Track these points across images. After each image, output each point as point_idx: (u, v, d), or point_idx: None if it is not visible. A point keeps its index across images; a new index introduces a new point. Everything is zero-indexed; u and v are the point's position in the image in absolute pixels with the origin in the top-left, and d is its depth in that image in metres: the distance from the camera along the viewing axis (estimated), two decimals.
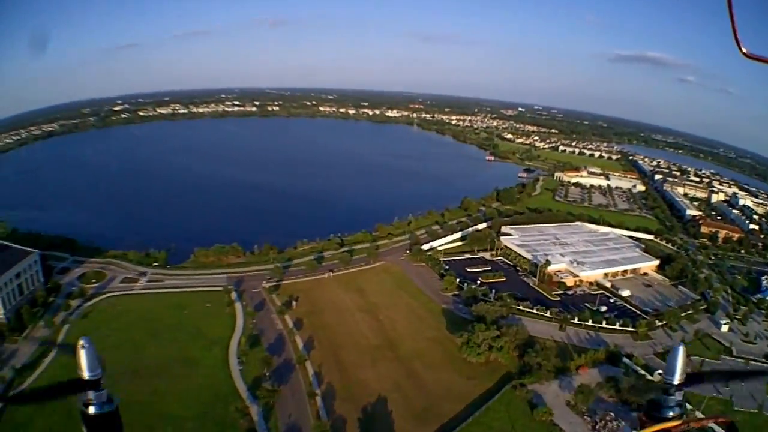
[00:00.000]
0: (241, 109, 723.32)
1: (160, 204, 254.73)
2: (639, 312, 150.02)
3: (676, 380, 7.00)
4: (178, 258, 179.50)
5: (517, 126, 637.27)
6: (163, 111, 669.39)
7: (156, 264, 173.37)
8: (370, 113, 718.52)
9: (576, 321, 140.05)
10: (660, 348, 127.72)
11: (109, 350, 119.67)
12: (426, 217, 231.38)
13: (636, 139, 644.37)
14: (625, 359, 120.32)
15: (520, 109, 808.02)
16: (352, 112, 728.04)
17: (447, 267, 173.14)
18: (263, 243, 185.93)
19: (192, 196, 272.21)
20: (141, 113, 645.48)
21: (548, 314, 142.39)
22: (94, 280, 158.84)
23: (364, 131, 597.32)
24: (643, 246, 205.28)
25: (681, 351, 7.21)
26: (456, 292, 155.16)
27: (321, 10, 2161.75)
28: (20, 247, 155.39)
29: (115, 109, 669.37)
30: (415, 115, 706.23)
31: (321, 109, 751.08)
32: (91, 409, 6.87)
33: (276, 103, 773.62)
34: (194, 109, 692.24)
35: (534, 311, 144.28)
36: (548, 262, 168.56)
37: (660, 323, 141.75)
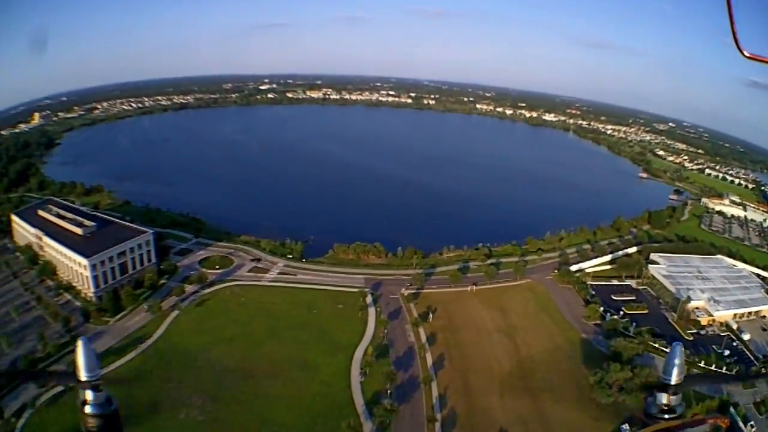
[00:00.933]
0: (396, 99, 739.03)
1: (301, 191, 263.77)
2: (752, 358, 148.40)
3: (674, 380, 7.31)
4: (315, 251, 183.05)
5: (669, 142, 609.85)
6: (313, 95, 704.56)
7: (290, 256, 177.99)
8: (527, 115, 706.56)
9: (702, 365, 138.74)
10: (758, 398, 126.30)
11: (220, 343, 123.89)
12: (577, 234, 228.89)
13: (766, 168, 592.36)
14: (731, 409, 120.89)
15: (671, 124, 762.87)
16: (509, 112, 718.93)
17: (593, 292, 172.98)
18: (407, 245, 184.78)
19: (337, 186, 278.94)
20: (289, 95, 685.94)
21: None
22: (218, 266, 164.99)
23: (521, 134, 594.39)
24: (767, 287, 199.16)
25: (679, 350, 7.49)
26: (598, 321, 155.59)
27: (482, 5, 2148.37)
28: (129, 224, 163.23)
29: (261, 87, 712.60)
30: (571, 120, 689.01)
31: (478, 106, 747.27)
32: (89, 411, 7.05)
33: (432, 96, 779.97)
34: (347, 96, 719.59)
35: (668, 350, 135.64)
36: (689, 298, 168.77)
37: (765, 371, 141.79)
